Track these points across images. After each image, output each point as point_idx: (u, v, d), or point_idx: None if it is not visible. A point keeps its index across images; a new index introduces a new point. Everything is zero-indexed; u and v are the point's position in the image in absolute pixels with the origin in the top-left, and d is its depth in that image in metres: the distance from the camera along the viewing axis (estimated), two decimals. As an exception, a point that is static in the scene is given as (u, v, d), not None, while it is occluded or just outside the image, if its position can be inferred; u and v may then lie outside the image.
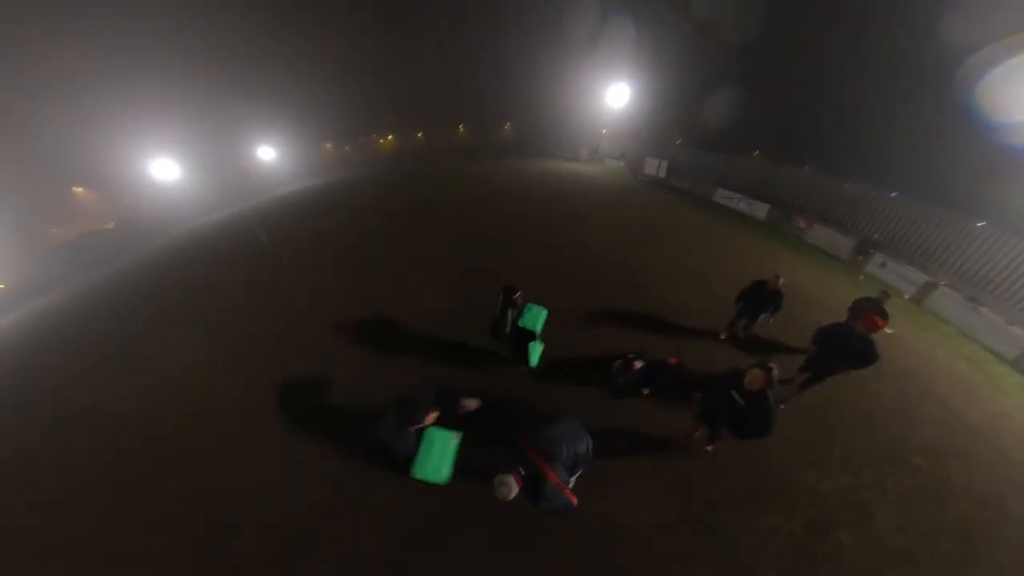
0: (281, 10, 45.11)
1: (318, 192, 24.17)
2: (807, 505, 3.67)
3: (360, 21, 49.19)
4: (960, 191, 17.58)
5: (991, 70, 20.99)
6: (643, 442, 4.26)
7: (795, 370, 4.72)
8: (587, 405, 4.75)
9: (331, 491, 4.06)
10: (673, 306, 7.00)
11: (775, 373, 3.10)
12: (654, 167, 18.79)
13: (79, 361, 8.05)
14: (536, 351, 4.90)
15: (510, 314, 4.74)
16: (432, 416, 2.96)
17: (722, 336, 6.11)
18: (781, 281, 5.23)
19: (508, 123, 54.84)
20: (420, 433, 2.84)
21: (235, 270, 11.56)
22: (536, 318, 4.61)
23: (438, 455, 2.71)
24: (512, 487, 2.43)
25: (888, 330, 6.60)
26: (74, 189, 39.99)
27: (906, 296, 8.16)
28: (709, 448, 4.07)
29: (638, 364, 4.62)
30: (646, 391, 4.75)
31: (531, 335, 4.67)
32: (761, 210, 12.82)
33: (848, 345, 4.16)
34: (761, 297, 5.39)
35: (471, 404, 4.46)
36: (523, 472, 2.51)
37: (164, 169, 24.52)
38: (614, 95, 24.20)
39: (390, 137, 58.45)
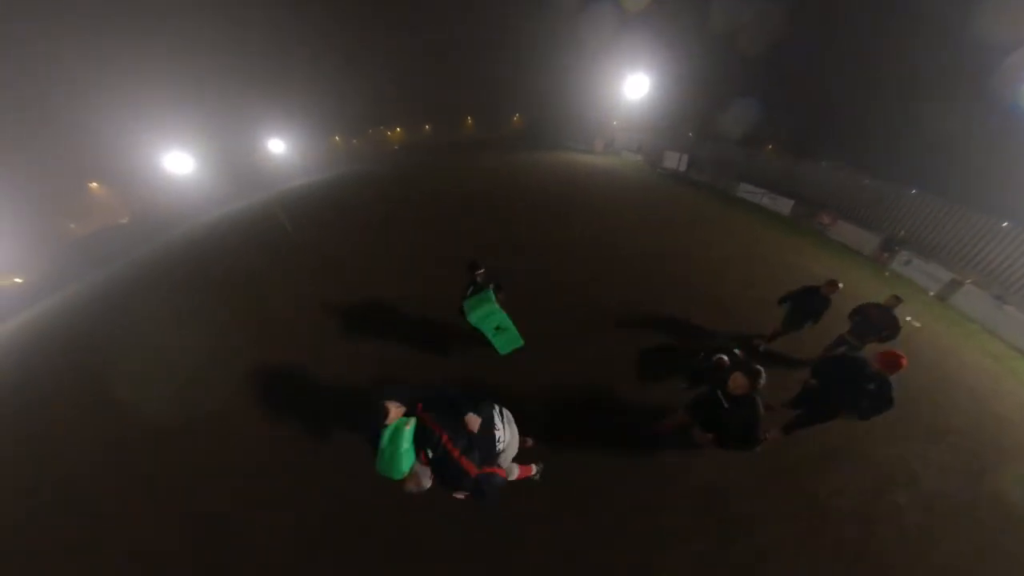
0: (291, 4, 45.01)
1: (347, 185, 24.53)
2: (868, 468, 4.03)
3: (367, 15, 49.02)
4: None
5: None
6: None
7: (781, 401, 4.11)
8: (580, 395, 4.83)
9: (336, 493, 4.11)
10: (709, 302, 7.12)
11: (762, 379, 2.81)
12: (674, 160, 18.76)
13: (92, 356, 8.49)
14: (499, 340, 4.70)
15: (469, 292, 4.67)
16: (395, 412, 2.61)
17: (761, 348, 5.59)
18: (840, 286, 4.66)
19: (517, 115, 54.49)
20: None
21: (250, 262, 12.10)
22: (480, 312, 4.39)
23: (389, 450, 2.53)
24: (421, 479, 2.08)
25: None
26: (90, 185, 40.68)
27: (931, 293, 8.35)
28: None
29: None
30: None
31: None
32: (785, 206, 12.93)
33: (857, 383, 3.36)
34: (811, 305, 4.87)
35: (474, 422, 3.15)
36: (430, 453, 2.15)
37: (178, 162, 24.93)
38: (632, 86, 24.03)
39: (399, 130, 58.63)
